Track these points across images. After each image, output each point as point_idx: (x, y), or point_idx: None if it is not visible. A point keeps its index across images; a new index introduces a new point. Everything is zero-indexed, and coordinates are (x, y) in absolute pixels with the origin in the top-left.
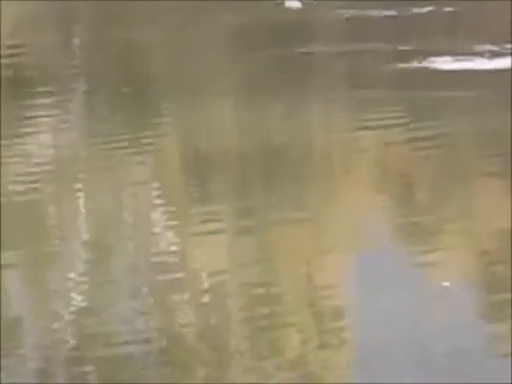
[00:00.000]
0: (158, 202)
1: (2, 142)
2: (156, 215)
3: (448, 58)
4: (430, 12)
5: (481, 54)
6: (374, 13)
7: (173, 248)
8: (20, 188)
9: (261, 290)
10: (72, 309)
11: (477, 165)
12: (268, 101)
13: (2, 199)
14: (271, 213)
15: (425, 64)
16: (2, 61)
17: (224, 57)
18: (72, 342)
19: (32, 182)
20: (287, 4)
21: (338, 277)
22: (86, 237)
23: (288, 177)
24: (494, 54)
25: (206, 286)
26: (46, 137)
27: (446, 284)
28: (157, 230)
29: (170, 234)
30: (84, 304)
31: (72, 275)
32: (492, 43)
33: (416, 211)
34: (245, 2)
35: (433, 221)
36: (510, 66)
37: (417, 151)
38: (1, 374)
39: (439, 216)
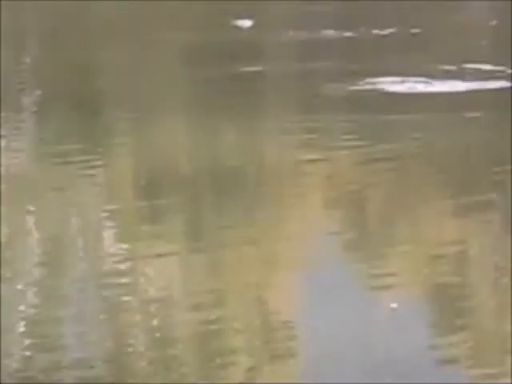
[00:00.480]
0: (109, 222)
1: None
2: (107, 235)
3: (398, 79)
4: (390, 34)
5: (433, 76)
6: (330, 33)
7: (123, 268)
8: None
9: (211, 311)
10: (21, 325)
11: (427, 187)
12: (219, 120)
13: None
14: (222, 234)
15: (376, 86)
16: None
17: (176, 76)
18: (18, 358)
19: None
20: (238, 23)
21: (287, 296)
22: (36, 257)
23: (239, 197)
24: (448, 77)
25: (155, 307)
26: None
27: (394, 306)
28: (107, 250)
29: (120, 255)
30: (32, 320)
31: (21, 298)
32: (447, 64)
33: (366, 232)
34: (196, 22)
35: (382, 242)
36: (462, 88)
37: (367, 173)
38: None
39: (389, 237)
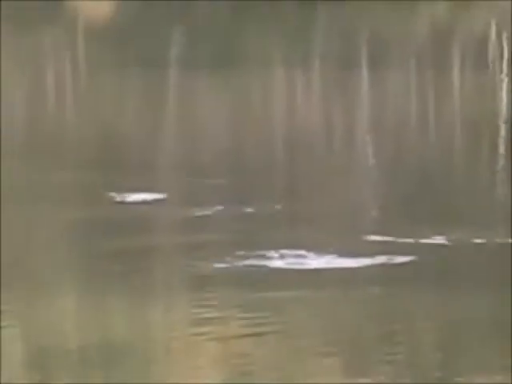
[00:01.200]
0: None
1: None
2: None
3: (275, 255)
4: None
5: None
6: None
7: None
8: None
9: None
10: None
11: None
12: (109, 296)
13: None
14: None
15: (258, 261)
16: None
17: (63, 251)
18: None
19: None
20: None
21: None
22: None
23: (129, 374)
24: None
25: None
26: None
27: None
28: None
29: None
30: None
31: None
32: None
33: None
34: (83, 198)
35: None
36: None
37: (256, 346)
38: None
39: None
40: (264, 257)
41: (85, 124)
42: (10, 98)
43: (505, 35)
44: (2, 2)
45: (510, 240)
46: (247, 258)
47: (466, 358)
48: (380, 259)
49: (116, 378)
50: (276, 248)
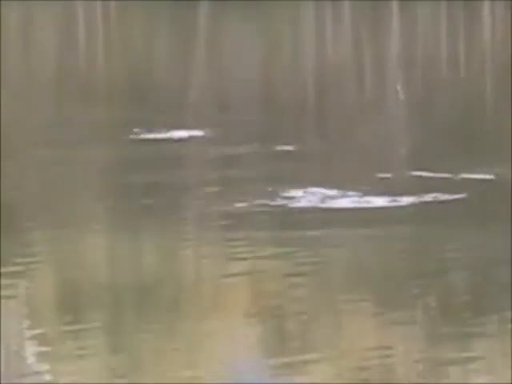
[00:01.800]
0: (29, 334)
1: None
2: (28, 349)
3: (303, 193)
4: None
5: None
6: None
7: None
8: None
9: None
10: None
11: (345, 296)
12: (140, 233)
13: None
14: (144, 347)
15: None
16: None
17: (93, 189)
18: None
19: None
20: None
21: None
22: None
23: (160, 309)
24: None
25: None
26: None
27: None
28: (29, 364)
29: (41, 369)
30: None
31: None
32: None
33: (287, 343)
34: (115, 136)
35: (303, 350)
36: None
37: (287, 284)
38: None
39: (309, 346)
40: (293, 196)
41: (116, 62)
42: (42, 38)
43: None
44: None
45: None
46: (278, 196)
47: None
48: (420, 197)
49: (147, 314)
50: (305, 186)
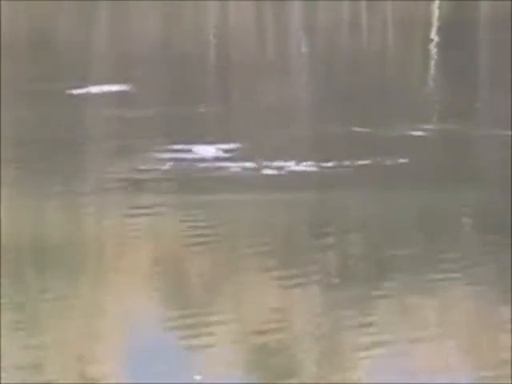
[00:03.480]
0: None
1: None
2: None
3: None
4: None
5: None
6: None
7: None
8: None
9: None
10: None
11: (250, 259)
12: (41, 188)
13: None
14: (42, 303)
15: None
16: None
17: None
18: None
19: None
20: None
21: (109, 367)
22: None
23: (59, 266)
24: None
25: None
26: None
27: (198, 377)
28: None
29: None
30: None
31: None
32: None
33: (188, 303)
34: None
35: (204, 312)
36: None
37: (191, 244)
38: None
39: (211, 308)
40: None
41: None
42: None
43: None
44: None
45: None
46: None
47: None
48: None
49: (46, 270)
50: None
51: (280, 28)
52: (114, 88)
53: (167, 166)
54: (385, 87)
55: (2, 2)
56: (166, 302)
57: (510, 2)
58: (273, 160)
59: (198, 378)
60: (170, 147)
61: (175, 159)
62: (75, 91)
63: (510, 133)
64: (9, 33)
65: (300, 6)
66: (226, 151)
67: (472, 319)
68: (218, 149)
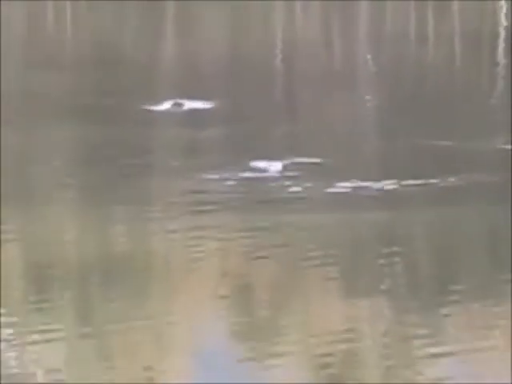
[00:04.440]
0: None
1: None
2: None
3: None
4: None
5: None
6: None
7: (11, 356)
8: None
9: None
10: None
11: (315, 270)
12: (107, 209)
13: None
14: (111, 320)
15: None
16: None
17: (62, 165)
18: None
19: None
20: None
21: (178, 379)
22: None
23: (128, 283)
24: None
25: None
26: None
27: None
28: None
29: (9, 344)
30: None
31: None
32: None
33: (255, 314)
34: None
35: (271, 324)
36: None
37: (256, 256)
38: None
39: (278, 320)
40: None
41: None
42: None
43: None
44: None
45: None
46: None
47: None
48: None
49: (115, 288)
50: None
51: (347, 40)
52: (186, 104)
53: (235, 183)
54: (455, 100)
55: None
56: (234, 313)
57: None
58: (349, 178)
59: None
60: (238, 165)
61: (244, 178)
62: (145, 107)
63: None
64: (74, 47)
65: (367, 18)
66: (296, 169)
67: None
68: (287, 166)
